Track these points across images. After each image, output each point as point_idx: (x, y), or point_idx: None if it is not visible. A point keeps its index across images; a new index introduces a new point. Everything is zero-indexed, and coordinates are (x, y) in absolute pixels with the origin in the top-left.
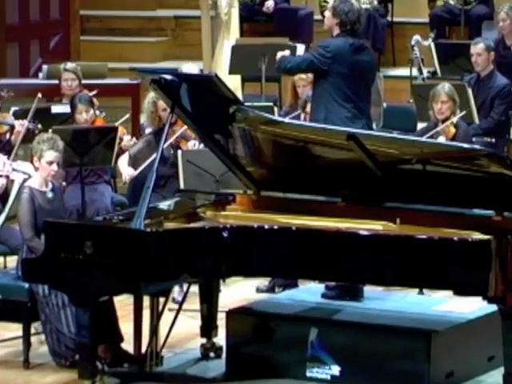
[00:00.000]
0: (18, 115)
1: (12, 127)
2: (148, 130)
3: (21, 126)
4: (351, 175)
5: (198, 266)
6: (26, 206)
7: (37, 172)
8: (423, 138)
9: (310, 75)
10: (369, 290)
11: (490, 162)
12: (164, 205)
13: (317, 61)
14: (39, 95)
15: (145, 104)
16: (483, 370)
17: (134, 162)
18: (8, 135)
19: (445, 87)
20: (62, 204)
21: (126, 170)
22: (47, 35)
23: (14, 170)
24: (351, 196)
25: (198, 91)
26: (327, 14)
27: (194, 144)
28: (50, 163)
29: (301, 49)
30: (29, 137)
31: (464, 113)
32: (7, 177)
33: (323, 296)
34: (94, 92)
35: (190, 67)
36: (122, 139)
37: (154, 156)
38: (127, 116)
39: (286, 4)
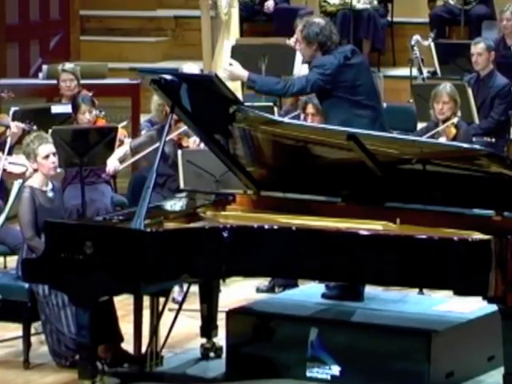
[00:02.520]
0: (18, 115)
1: (7, 128)
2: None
3: (16, 127)
4: (351, 175)
5: (197, 266)
6: (26, 206)
7: (38, 172)
8: (423, 138)
9: None
10: (369, 290)
11: (489, 162)
12: (164, 205)
13: (320, 82)
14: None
15: (154, 96)
16: (483, 370)
17: (133, 155)
18: (9, 136)
19: (446, 87)
20: (62, 203)
21: (111, 162)
22: (47, 35)
23: (10, 163)
24: (351, 196)
25: (198, 91)
26: (300, 46)
27: (194, 140)
28: (47, 157)
29: None
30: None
31: (459, 115)
32: (4, 170)
33: (323, 296)
34: (91, 93)
35: (191, 67)
36: (122, 142)
37: (145, 151)
38: (125, 123)
39: (286, 4)
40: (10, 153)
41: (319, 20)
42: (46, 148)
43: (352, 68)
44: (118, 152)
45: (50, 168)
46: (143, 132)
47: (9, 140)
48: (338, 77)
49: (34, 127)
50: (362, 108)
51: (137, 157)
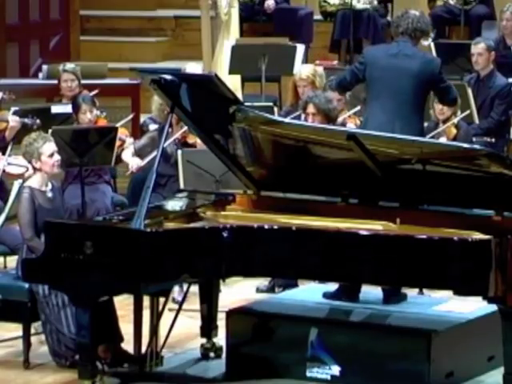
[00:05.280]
0: (18, 115)
1: (7, 123)
2: (153, 127)
3: (14, 121)
4: (351, 175)
5: (198, 265)
6: (26, 206)
7: (37, 173)
8: (423, 138)
9: (311, 76)
10: (369, 289)
11: (489, 162)
12: (164, 205)
13: (356, 69)
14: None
15: (155, 96)
16: (483, 370)
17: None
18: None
19: None
20: (62, 204)
21: (132, 160)
22: (47, 35)
23: (9, 163)
24: (351, 196)
25: (198, 91)
26: None
27: None
28: (52, 155)
29: (301, 49)
30: (27, 133)
31: (466, 113)
32: (3, 171)
33: (323, 296)
34: (95, 92)
35: (194, 67)
36: (124, 141)
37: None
38: (130, 117)
39: (286, 4)
40: (6, 149)
41: (416, 11)
42: (51, 146)
43: (387, 63)
44: (128, 152)
45: (55, 165)
46: (150, 126)
47: (7, 134)
48: (369, 66)
49: (38, 121)
50: (380, 110)
51: (153, 154)
